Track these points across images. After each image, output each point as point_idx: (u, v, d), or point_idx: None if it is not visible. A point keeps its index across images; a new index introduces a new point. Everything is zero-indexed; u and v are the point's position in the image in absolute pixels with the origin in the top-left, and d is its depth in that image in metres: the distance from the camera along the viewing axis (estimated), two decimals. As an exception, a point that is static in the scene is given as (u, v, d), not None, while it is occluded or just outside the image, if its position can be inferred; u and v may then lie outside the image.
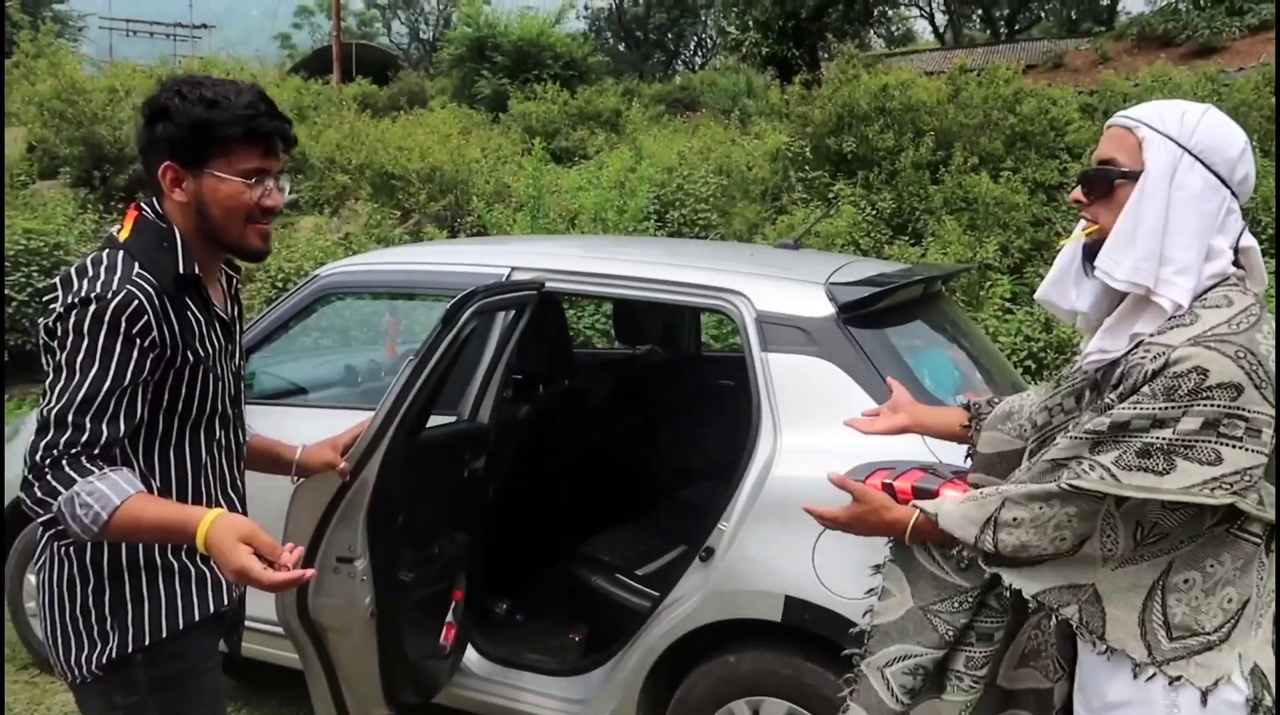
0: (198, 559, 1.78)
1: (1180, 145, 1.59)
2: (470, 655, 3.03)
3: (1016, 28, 32.24)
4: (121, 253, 1.70)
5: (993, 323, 7.13)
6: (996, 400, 2.03)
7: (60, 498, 1.55)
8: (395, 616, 2.56)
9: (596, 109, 18.25)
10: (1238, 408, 1.47)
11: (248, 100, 1.71)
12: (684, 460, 3.94)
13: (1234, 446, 1.48)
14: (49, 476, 1.57)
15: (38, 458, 1.58)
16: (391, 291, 4.00)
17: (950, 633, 1.80)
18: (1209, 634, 1.56)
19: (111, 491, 1.56)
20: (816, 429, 2.56)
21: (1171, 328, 1.55)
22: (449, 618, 2.91)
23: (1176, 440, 1.49)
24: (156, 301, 1.67)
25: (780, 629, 2.56)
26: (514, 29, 24.30)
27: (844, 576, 2.44)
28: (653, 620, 2.72)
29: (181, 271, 1.73)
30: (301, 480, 2.26)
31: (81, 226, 8.96)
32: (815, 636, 2.52)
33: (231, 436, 1.90)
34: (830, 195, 9.80)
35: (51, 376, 1.63)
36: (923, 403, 2.17)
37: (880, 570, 1.91)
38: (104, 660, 1.73)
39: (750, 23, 21.24)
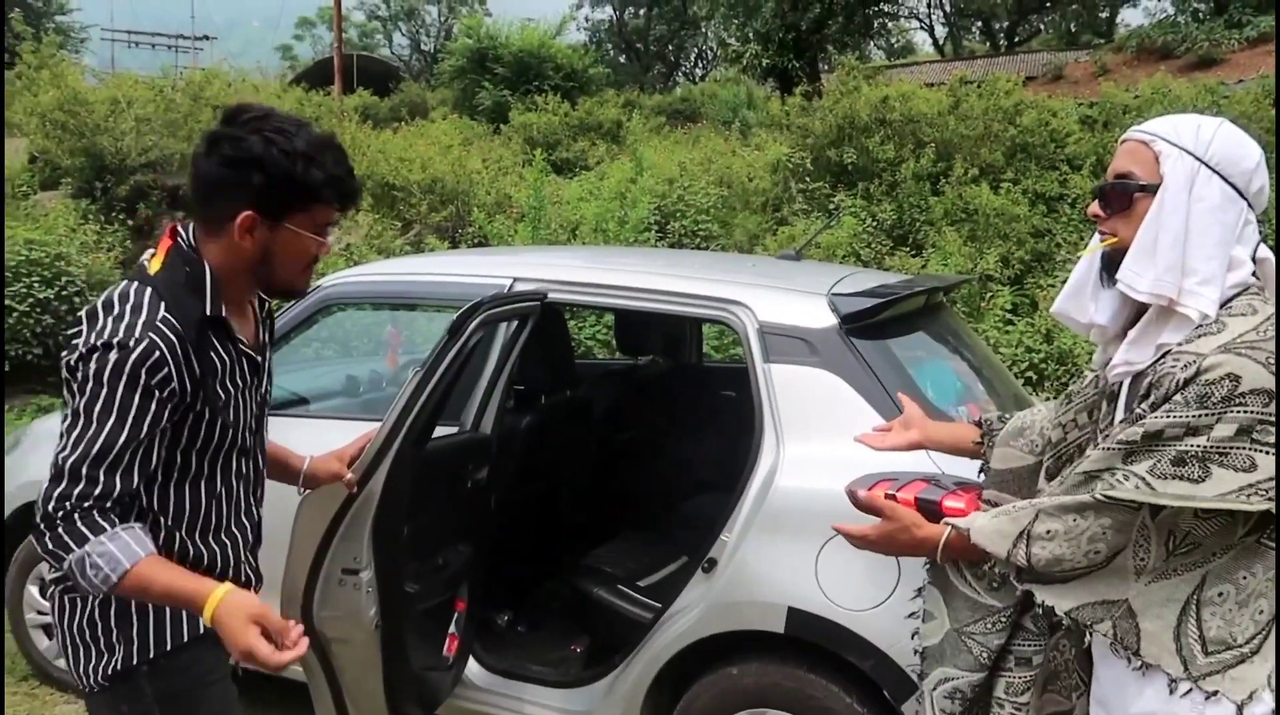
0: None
1: (1197, 158, 1.60)
2: (472, 667, 3.02)
3: (1016, 40, 32.35)
4: (149, 291, 1.67)
5: (994, 334, 7.14)
6: (1007, 416, 2.02)
7: (71, 556, 1.56)
8: (400, 628, 2.55)
9: (597, 120, 18.26)
10: (1270, 414, 1.47)
11: (335, 158, 1.71)
12: (686, 471, 3.94)
13: (1268, 452, 1.48)
14: (60, 529, 1.57)
15: (50, 508, 1.58)
16: (393, 302, 4.00)
17: (985, 655, 1.78)
18: (1241, 646, 1.55)
19: (121, 554, 1.57)
20: (819, 440, 2.56)
21: (1200, 336, 1.56)
22: (451, 629, 2.90)
23: (1211, 447, 1.49)
24: (179, 349, 1.65)
25: (783, 641, 2.55)
26: (515, 40, 24.35)
27: (847, 588, 2.44)
28: (655, 632, 2.71)
29: (209, 313, 1.71)
30: (308, 491, 2.26)
31: (83, 237, 8.97)
32: (818, 648, 2.52)
33: (250, 465, 1.90)
34: (831, 206, 9.81)
35: (69, 421, 1.62)
36: (930, 416, 2.17)
37: (921, 594, 1.91)
38: (110, 671, 1.74)
39: (751, 35, 21.31)
